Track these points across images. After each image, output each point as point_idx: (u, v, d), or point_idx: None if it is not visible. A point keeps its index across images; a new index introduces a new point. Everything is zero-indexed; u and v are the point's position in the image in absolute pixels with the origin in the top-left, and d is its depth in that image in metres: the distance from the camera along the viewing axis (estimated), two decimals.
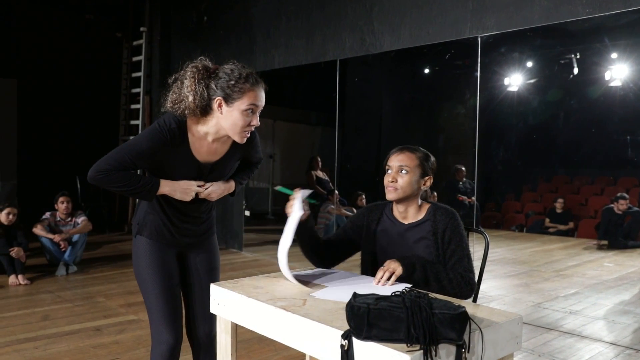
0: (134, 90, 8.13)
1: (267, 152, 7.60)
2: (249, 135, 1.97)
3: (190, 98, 1.88)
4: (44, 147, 7.90)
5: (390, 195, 2.01)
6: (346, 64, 5.69)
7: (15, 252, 4.92)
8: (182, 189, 1.98)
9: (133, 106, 8.14)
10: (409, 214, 2.04)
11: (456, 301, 1.63)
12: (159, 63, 7.81)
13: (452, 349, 1.32)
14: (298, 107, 7.76)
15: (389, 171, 2.02)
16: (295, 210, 1.89)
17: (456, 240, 1.96)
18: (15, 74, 7.69)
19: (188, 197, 2.00)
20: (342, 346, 1.37)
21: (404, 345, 1.29)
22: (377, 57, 5.36)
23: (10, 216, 5.11)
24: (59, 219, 5.60)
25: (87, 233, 5.66)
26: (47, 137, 7.92)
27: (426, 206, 2.06)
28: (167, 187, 1.96)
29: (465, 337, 1.33)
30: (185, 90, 1.89)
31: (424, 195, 2.11)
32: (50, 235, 5.39)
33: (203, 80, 1.90)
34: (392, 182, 2.00)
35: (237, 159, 2.16)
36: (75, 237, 5.51)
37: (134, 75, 8.15)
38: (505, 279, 5.32)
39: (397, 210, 2.07)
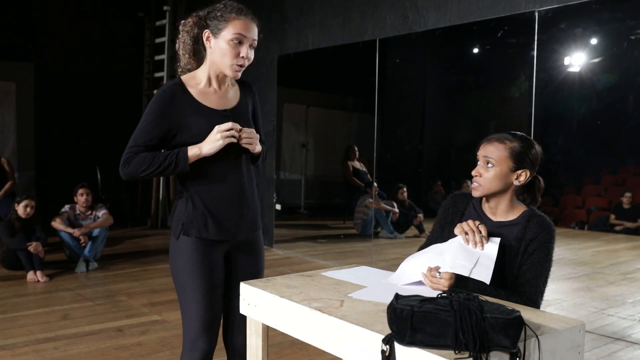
0: (157, 75, 8.26)
1: (299, 140, 7.63)
2: (240, 69, 2.05)
3: (181, 49, 2.10)
4: (62, 135, 8.08)
5: (473, 192, 1.99)
6: (386, 44, 5.65)
7: (33, 247, 5.08)
8: (208, 141, 2.00)
9: (156, 91, 8.24)
10: (499, 210, 2.00)
11: (509, 305, 1.61)
12: None
13: (505, 357, 1.31)
14: (333, 92, 7.75)
15: (478, 163, 1.99)
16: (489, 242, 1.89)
17: (540, 255, 1.90)
18: (32, 57, 7.89)
19: (219, 143, 1.99)
20: (382, 352, 1.37)
21: (451, 352, 1.28)
22: (420, 36, 5.30)
23: (28, 209, 5.28)
24: (78, 212, 5.76)
25: (108, 227, 5.81)
26: (66, 125, 8.10)
27: (522, 209, 1.99)
28: (195, 149, 2.00)
29: (520, 345, 1.32)
30: (178, 46, 2.12)
31: (530, 190, 2.05)
32: (70, 230, 5.55)
33: (196, 26, 2.07)
34: (476, 176, 1.97)
35: (251, 115, 2.22)
36: (96, 232, 5.66)
37: (156, 58, 8.28)
38: (563, 281, 5.23)
39: (487, 204, 2.03)
